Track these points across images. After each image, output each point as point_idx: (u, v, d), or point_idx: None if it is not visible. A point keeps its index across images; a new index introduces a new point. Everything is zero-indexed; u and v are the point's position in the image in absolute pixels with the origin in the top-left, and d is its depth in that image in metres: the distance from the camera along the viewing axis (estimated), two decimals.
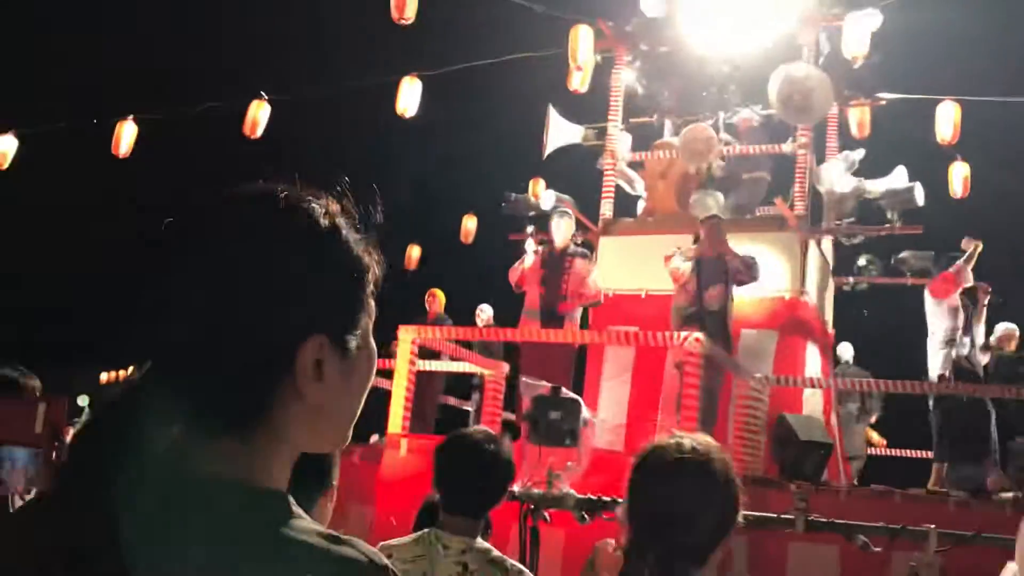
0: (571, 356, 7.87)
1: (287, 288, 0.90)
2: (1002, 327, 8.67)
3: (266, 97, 10.01)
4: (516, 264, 8.12)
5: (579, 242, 8.38)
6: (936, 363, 7.88)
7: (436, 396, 9.72)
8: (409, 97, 9.29)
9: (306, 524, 0.87)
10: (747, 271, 7.49)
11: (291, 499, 0.91)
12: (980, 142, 9.63)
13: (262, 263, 0.91)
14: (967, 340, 7.82)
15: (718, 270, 7.51)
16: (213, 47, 13.47)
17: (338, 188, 1.00)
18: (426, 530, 2.64)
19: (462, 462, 2.64)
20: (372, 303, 1.00)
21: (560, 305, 7.88)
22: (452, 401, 10.11)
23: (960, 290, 7.91)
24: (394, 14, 8.01)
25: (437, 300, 10.17)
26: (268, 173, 0.99)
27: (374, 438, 7.63)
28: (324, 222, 0.95)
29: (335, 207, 0.98)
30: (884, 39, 8.72)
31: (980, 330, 8.08)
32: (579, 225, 9.69)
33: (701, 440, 1.79)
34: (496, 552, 2.62)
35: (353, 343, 0.95)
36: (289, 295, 0.90)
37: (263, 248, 0.91)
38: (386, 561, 0.88)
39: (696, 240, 7.72)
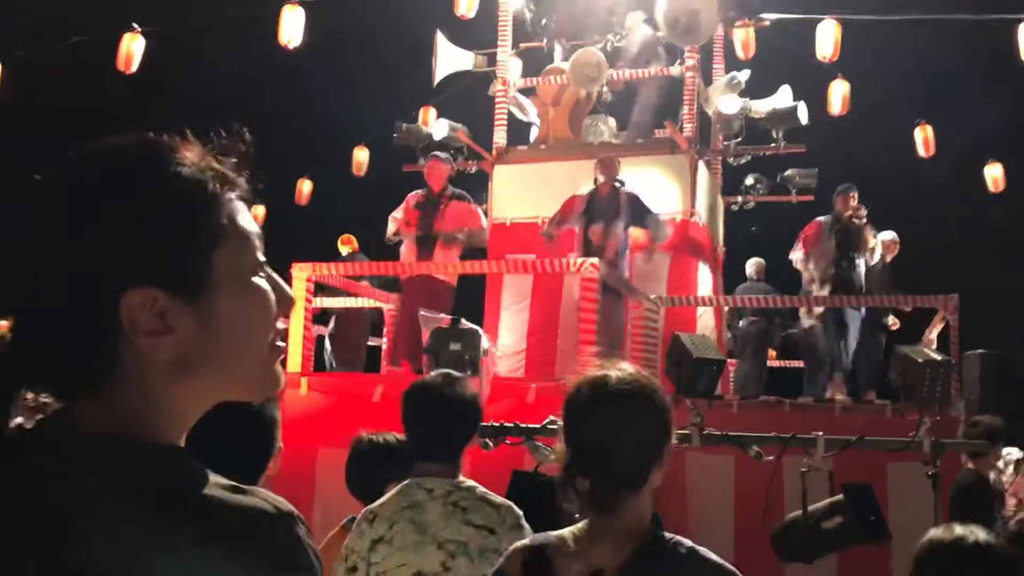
0: (450, 292, 7.75)
1: (87, 240, 0.83)
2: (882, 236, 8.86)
3: (139, 29, 9.53)
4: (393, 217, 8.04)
5: (455, 187, 8.23)
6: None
7: (363, 336, 9.54)
8: (292, 26, 8.96)
9: (205, 476, 0.84)
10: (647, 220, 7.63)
11: (186, 453, 0.88)
12: (859, 60, 9.89)
13: (55, 216, 0.85)
14: (845, 263, 8.04)
15: (609, 207, 7.62)
16: None
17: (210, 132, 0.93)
18: (405, 482, 2.59)
19: (431, 409, 2.58)
20: (242, 228, 0.90)
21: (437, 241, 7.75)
22: (376, 342, 9.89)
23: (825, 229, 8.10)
24: None
25: (351, 245, 9.95)
26: (147, 111, 0.92)
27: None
28: (140, 157, 0.88)
29: (171, 141, 0.90)
30: None
31: (863, 242, 8.22)
32: (472, 154, 9.65)
33: (629, 370, 1.85)
34: (482, 488, 2.60)
35: (204, 289, 0.87)
36: (90, 248, 0.83)
37: (60, 198, 0.86)
38: (291, 508, 0.86)
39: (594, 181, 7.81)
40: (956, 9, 9.75)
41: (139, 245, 0.84)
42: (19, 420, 0.88)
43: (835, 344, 7.90)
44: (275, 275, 0.94)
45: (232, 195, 0.91)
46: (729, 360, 9.75)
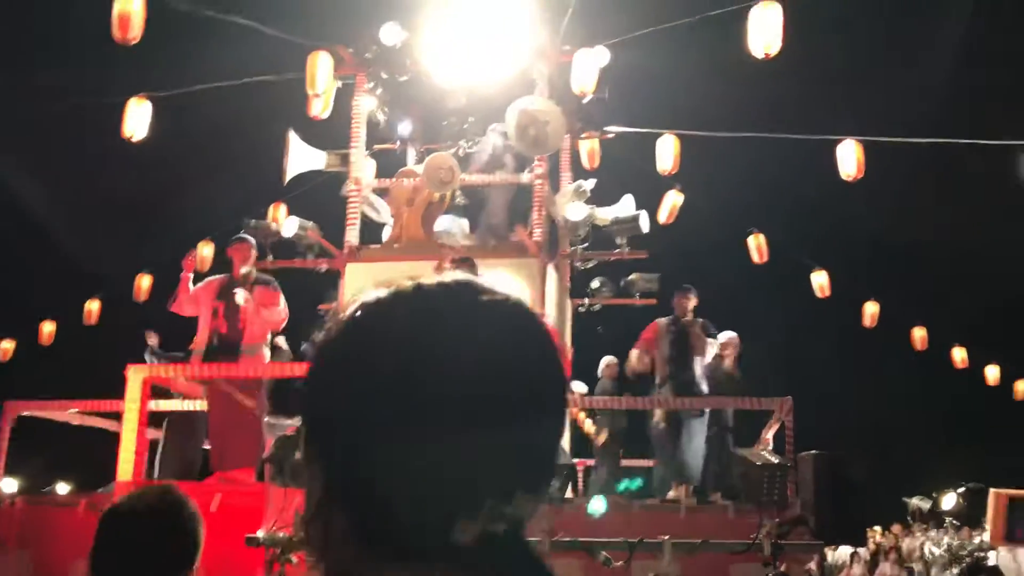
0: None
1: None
2: (722, 336, 9.28)
3: None
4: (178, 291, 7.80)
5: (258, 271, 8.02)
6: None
7: (200, 441, 8.95)
8: (137, 119, 8.75)
9: None
10: None
11: None
12: (700, 171, 10.48)
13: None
14: (681, 364, 8.39)
15: None
16: None
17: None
18: None
19: (128, 535, 2.08)
20: None
21: (243, 339, 7.47)
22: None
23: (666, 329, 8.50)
24: (116, 33, 7.51)
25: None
26: None
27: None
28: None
29: None
30: (611, 76, 9.28)
31: (699, 343, 8.58)
32: (323, 252, 9.55)
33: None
34: None
35: None
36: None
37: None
38: None
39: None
40: (785, 128, 10.51)
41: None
42: None
43: (676, 445, 8.12)
44: None
45: None
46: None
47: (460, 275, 0.85)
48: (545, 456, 0.83)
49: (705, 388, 8.50)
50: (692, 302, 8.59)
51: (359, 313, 0.83)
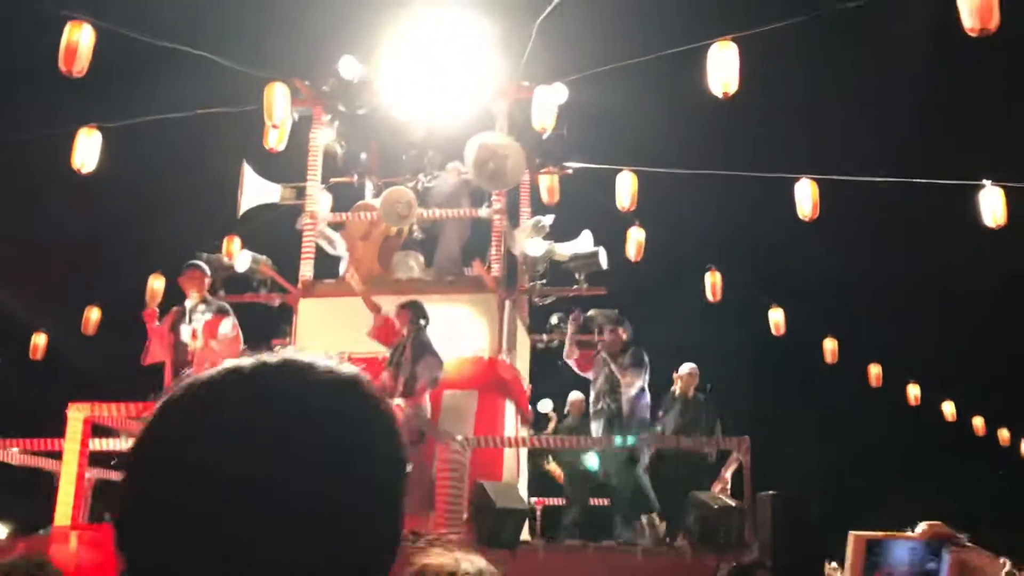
0: None
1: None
2: (682, 368, 9.23)
3: None
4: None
5: (211, 298, 7.78)
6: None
7: None
8: (86, 150, 8.56)
9: None
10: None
11: None
12: (657, 208, 10.49)
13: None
14: (611, 399, 8.39)
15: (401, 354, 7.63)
16: None
17: None
18: None
19: None
20: None
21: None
22: None
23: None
24: (63, 66, 7.34)
25: None
26: None
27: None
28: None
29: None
30: (571, 112, 9.26)
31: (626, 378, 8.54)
32: (276, 286, 9.37)
33: (481, 563, 1.85)
34: None
35: None
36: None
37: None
38: None
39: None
40: (743, 165, 10.57)
41: None
42: None
43: (631, 482, 8.03)
44: None
45: None
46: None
47: (295, 354, 0.79)
48: (369, 555, 0.75)
49: (646, 415, 8.47)
50: (622, 334, 8.55)
51: (170, 405, 0.77)
